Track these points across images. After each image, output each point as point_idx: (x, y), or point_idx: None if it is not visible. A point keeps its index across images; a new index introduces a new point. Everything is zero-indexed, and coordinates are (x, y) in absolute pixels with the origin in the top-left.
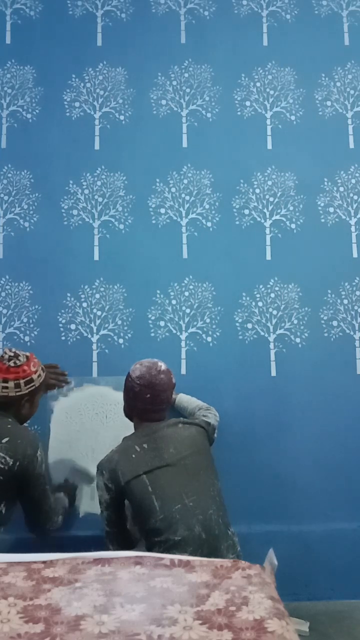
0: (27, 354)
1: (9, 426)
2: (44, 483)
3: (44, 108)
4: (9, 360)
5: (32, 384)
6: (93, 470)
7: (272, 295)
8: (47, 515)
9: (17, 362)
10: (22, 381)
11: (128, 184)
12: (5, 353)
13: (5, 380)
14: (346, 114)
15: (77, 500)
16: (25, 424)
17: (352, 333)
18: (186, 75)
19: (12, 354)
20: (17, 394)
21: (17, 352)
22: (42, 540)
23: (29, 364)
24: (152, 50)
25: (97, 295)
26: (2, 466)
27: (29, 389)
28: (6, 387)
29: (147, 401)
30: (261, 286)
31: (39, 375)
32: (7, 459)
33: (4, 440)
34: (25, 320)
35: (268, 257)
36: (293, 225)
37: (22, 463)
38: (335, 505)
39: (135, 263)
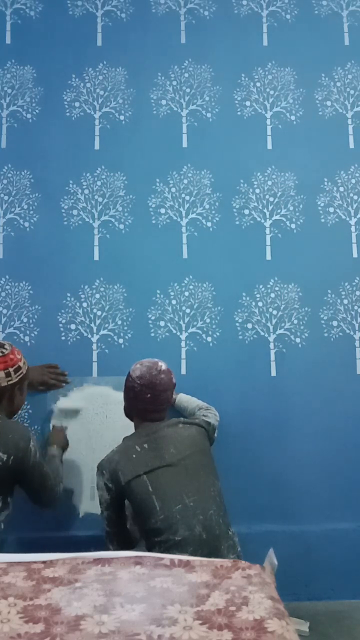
0: (7, 342)
1: None
2: (40, 469)
3: (44, 108)
4: None
5: (20, 371)
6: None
7: (272, 295)
8: (50, 491)
9: (4, 350)
10: (11, 369)
11: (128, 184)
12: None
13: None
14: (346, 114)
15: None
16: (15, 418)
17: (352, 333)
18: (186, 75)
19: None
20: (9, 383)
21: (1, 341)
22: (42, 540)
23: (13, 351)
24: (152, 50)
25: (97, 295)
26: None
27: (19, 377)
28: None
29: (147, 401)
30: (261, 286)
31: (24, 362)
32: (1, 454)
33: None
34: (25, 320)
35: (268, 257)
36: (293, 225)
37: (16, 457)
38: (335, 505)
39: (135, 263)
